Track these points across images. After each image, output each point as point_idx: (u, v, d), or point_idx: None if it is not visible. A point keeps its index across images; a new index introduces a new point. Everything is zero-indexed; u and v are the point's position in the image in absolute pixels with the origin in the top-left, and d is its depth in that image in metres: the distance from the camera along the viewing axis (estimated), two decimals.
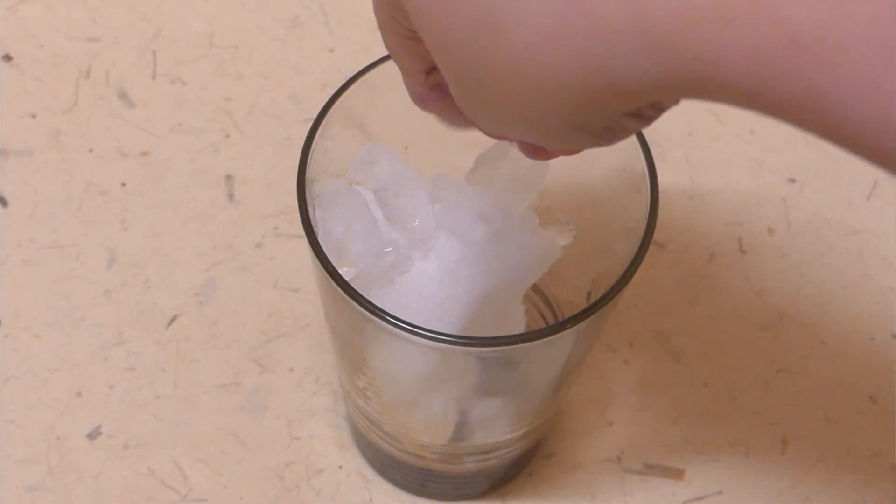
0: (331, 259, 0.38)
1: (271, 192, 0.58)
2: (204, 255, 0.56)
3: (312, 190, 0.40)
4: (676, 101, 0.30)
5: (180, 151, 0.59)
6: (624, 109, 0.29)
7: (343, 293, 0.37)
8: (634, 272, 0.38)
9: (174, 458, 0.51)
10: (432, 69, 0.35)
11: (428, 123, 0.44)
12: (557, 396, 0.46)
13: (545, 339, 0.37)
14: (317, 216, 0.40)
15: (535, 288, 0.47)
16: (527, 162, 0.42)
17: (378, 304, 0.37)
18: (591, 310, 0.37)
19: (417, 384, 0.41)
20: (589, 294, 0.44)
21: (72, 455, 0.51)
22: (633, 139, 0.40)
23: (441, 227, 0.40)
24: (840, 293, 0.57)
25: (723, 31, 0.25)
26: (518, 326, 0.42)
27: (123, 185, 0.58)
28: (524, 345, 0.37)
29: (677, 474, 0.52)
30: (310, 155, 0.39)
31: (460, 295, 0.40)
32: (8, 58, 0.61)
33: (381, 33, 0.35)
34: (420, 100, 0.37)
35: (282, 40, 0.63)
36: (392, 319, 0.36)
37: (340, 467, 0.52)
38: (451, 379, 0.40)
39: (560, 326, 0.37)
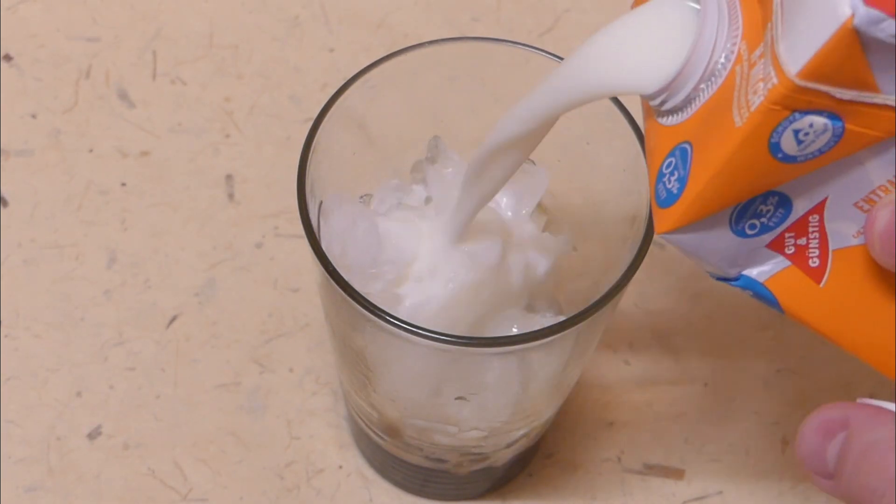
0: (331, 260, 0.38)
1: (271, 191, 0.58)
2: (204, 255, 0.56)
3: (313, 192, 0.40)
4: None
5: (180, 151, 0.59)
6: None
7: (343, 293, 0.37)
8: (634, 272, 0.38)
9: (174, 458, 0.51)
10: None
11: (428, 124, 0.44)
12: (558, 396, 0.46)
13: (545, 340, 0.37)
14: (320, 226, 0.40)
15: None
16: (528, 171, 0.42)
17: None
18: (591, 310, 0.37)
19: (417, 384, 0.41)
20: (589, 294, 0.44)
21: (72, 455, 0.51)
22: (634, 139, 0.40)
23: (457, 251, 0.41)
24: None
25: None
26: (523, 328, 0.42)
27: (123, 185, 0.58)
28: (524, 345, 0.37)
29: (677, 474, 0.52)
30: (310, 155, 0.39)
31: (470, 314, 0.40)
32: (8, 58, 0.61)
33: None
34: None
35: (282, 40, 0.63)
36: (392, 319, 0.36)
37: (340, 467, 0.52)
38: (452, 379, 0.41)
39: (560, 327, 0.37)
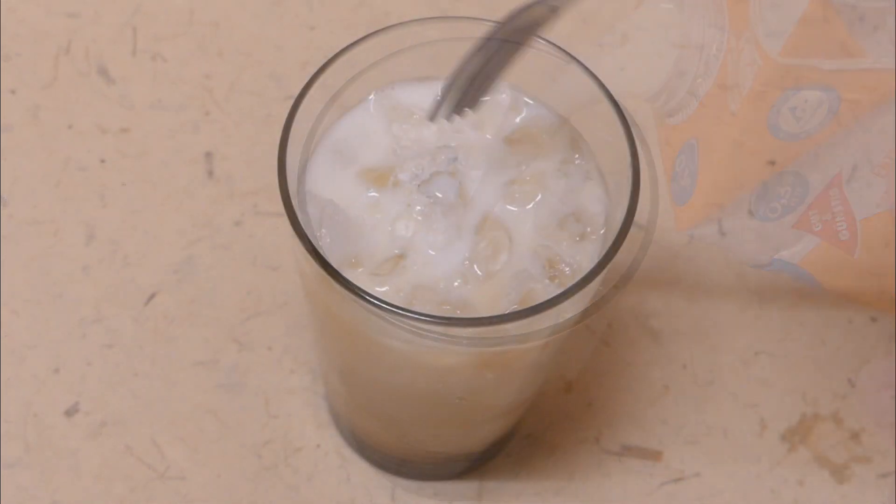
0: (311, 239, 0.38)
1: (251, 169, 0.57)
2: (183, 233, 0.56)
3: (294, 171, 0.40)
4: None
5: (160, 128, 0.59)
6: None
7: (323, 271, 0.37)
8: (612, 257, 0.38)
9: (152, 436, 0.51)
10: None
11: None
12: (537, 379, 0.46)
13: (523, 321, 0.37)
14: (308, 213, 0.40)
15: None
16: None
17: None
18: (566, 295, 0.37)
19: (396, 365, 0.41)
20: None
21: (49, 432, 0.51)
22: (634, 140, 0.40)
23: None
24: None
25: None
26: None
27: (103, 161, 0.57)
28: (504, 324, 0.37)
29: (655, 456, 0.52)
30: (290, 133, 0.39)
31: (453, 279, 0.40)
32: None
33: None
34: None
35: (262, 18, 0.62)
36: (372, 300, 0.36)
37: (318, 446, 0.52)
38: (424, 366, 0.40)
39: (535, 309, 0.37)
